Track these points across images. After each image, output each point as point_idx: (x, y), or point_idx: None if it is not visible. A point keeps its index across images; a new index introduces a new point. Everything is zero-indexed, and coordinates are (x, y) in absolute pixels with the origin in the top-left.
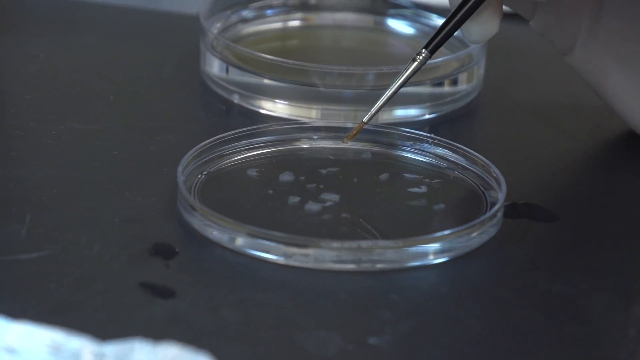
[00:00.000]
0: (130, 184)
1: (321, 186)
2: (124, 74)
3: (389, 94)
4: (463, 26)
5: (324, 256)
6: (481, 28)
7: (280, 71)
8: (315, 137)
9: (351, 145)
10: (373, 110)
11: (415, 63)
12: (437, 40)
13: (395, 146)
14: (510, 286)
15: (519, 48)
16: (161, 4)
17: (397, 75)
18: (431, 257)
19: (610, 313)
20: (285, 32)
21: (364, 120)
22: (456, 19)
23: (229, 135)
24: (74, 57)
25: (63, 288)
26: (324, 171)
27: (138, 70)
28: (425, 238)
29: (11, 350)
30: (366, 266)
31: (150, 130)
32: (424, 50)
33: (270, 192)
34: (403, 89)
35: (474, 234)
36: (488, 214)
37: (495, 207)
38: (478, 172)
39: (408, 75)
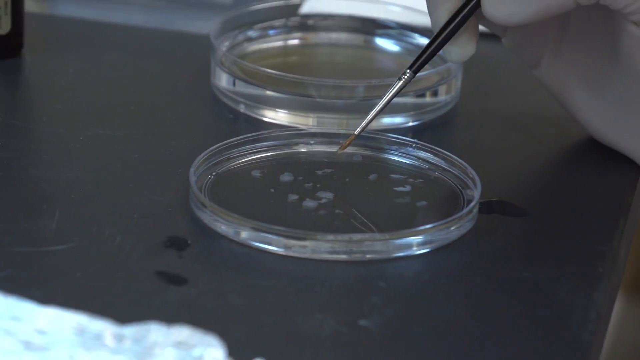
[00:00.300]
0: (148, 184)
1: (317, 185)
2: (143, 87)
3: (377, 110)
4: (444, 48)
5: (319, 248)
6: (460, 50)
7: (281, 84)
8: (312, 142)
9: (344, 149)
10: (363, 123)
11: (400, 82)
12: (419, 62)
13: (382, 150)
14: (485, 274)
15: (493, 63)
16: (176, 25)
17: (385, 89)
18: (415, 248)
19: (573, 297)
20: (286, 50)
21: (355, 132)
22: (436, 43)
23: (236, 141)
24: (99, 72)
25: (88, 276)
26: (319, 172)
27: (156, 84)
28: (410, 231)
29: (41, 332)
30: (357, 257)
31: (166, 136)
32: (408, 70)
33: (272, 190)
34: (393, 100)
35: (453, 228)
36: (465, 210)
37: (472, 204)
38: (456, 173)
39: (394, 93)
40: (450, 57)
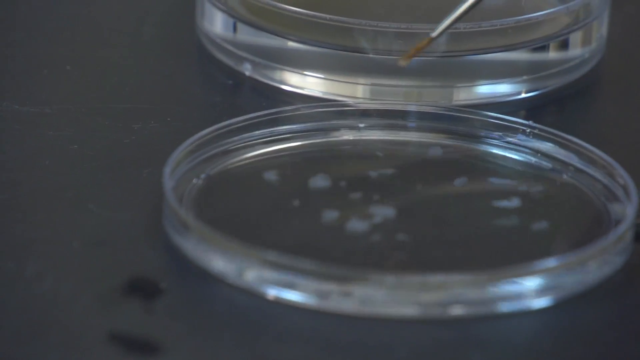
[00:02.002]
0: (95, 193)
1: (371, 196)
2: (86, 33)
3: (471, 2)
4: None
5: (374, 296)
6: None
7: (312, 30)
8: (361, 125)
9: (414, 136)
10: (447, 20)
11: None
12: None
13: (476, 138)
14: None
15: None
16: None
17: (487, 36)
18: (529, 298)
19: None
20: None
21: (433, 35)
22: None
23: (238, 123)
24: (13, 8)
25: (2, 342)
26: (374, 174)
27: (106, 28)
28: (521, 271)
29: None
30: (435, 311)
31: (124, 115)
32: None
33: (297, 203)
34: (491, 56)
35: (591, 265)
36: (612, 236)
37: (623, 227)
38: (598, 176)
39: None
40: None
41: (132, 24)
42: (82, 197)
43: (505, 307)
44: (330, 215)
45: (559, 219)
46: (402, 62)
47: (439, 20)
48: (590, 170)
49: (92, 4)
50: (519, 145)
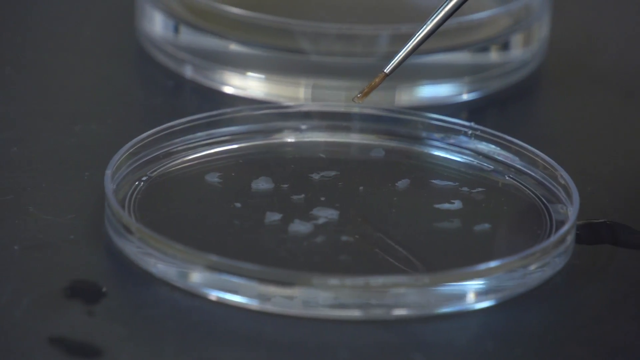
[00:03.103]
0: (36, 196)
1: (313, 198)
2: (25, 36)
3: (422, 35)
4: None
5: (316, 298)
6: None
7: (254, 31)
8: (303, 126)
9: (356, 138)
10: (399, 55)
11: None
12: None
13: (418, 140)
14: (585, 342)
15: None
16: None
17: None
18: (471, 299)
19: None
20: None
21: (386, 71)
22: None
23: (179, 125)
24: None
25: None
26: (316, 176)
27: (46, 30)
28: (463, 272)
29: None
30: (378, 313)
31: (65, 118)
32: None
33: (239, 205)
34: (432, 57)
35: (533, 267)
36: (553, 238)
37: (564, 228)
38: (539, 177)
39: (450, 9)
40: None
41: (72, 26)
42: (22, 200)
43: (447, 309)
44: (272, 217)
45: (500, 220)
46: (358, 101)
47: (378, 21)
48: (532, 172)
49: (32, 6)
50: (461, 147)
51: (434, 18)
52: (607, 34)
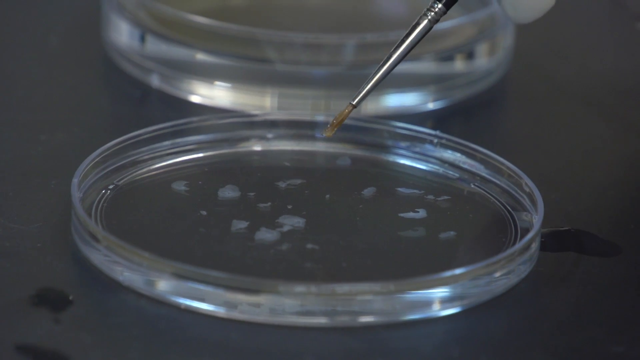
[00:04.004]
0: (2, 204)
1: (279, 206)
2: None
3: (388, 66)
4: None
5: (282, 305)
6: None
7: (220, 41)
8: (270, 135)
9: (322, 147)
10: (366, 87)
11: (426, 21)
12: None
13: (384, 148)
14: (550, 348)
15: (564, 5)
16: None
17: (389, 48)
18: (437, 307)
19: None
20: None
21: (353, 102)
22: None
23: (146, 133)
24: None
25: None
26: (282, 184)
27: (11, 38)
28: (428, 280)
29: None
30: (344, 320)
31: (30, 126)
32: (437, 3)
33: (205, 213)
34: (398, 66)
35: (498, 275)
36: (518, 246)
37: (528, 236)
38: (504, 185)
39: (415, 39)
40: (516, 13)
41: (38, 35)
42: None
43: (413, 316)
44: (239, 225)
45: (465, 228)
46: (327, 134)
47: (344, 31)
48: (497, 180)
49: None
50: (426, 155)
51: (400, 47)
52: (570, 44)
